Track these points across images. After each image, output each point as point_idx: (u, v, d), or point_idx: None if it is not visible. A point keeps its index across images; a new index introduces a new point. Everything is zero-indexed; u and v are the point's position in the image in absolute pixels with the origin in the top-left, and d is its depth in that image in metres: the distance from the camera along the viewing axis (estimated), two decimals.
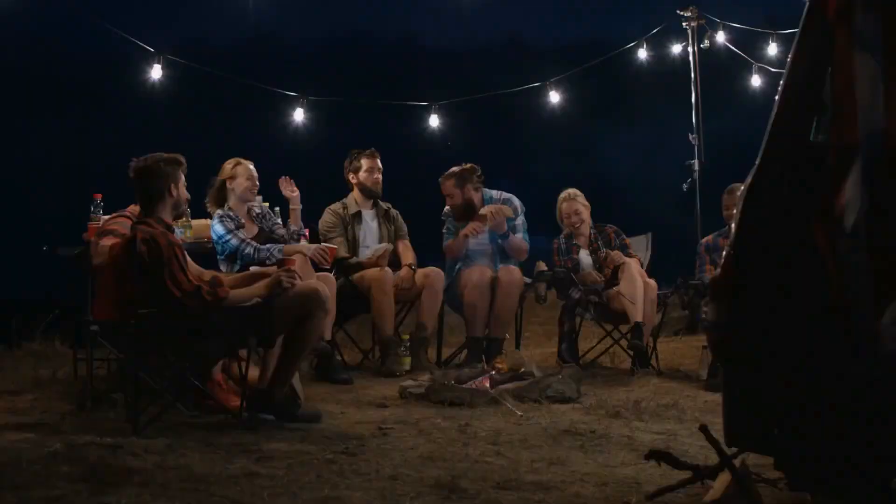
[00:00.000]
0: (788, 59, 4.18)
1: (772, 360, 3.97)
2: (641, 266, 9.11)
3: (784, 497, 4.42)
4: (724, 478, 4.32)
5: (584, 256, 9.30)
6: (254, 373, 6.50)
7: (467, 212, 9.26)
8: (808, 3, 4.15)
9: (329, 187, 9.81)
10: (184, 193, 6.33)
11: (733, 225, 4.19)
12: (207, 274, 6.49)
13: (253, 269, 7.14)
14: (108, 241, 6.83)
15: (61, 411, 6.73)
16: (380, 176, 9.15)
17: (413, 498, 4.54)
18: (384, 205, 9.25)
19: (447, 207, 9.42)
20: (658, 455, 4.71)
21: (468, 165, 9.33)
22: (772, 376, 3.98)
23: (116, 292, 6.01)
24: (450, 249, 9.33)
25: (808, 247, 3.86)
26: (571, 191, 9.52)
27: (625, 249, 9.24)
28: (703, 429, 4.24)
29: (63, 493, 4.41)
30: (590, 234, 9.41)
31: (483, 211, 9.12)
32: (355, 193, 9.16)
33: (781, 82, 4.20)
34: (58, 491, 4.46)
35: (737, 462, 4.32)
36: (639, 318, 8.62)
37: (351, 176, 9.18)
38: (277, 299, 6.11)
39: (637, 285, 8.69)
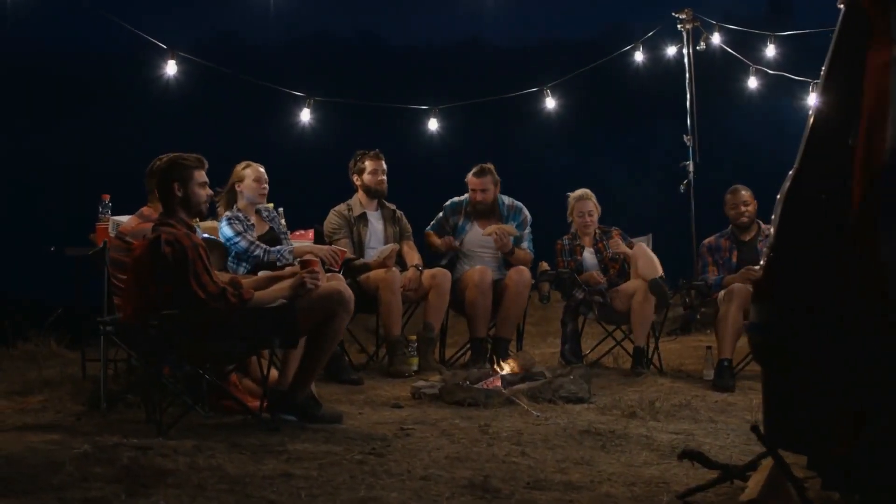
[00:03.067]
0: (824, 65, 4.23)
1: (811, 361, 4.02)
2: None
3: (812, 495, 4.46)
4: (757, 477, 4.37)
5: (589, 256, 9.35)
6: (272, 373, 6.55)
7: (489, 211, 9.36)
8: (843, 10, 4.20)
9: (333, 187, 9.83)
10: (196, 193, 6.22)
11: (771, 229, 4.24)
12: (226, 276, 6.49)
13: (262, 273, 7.12)
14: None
15: (75, 412, 6.76)
16: (384, 177, 9.19)
17: (449, 498, 4.58)
18: (389, 206, 9.28)
19: (454, 201, 9.49)
20: (691, 454, 4.77)
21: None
22: (810, 377, 4.03)
23: (139, 293, 6.00)
24: (430, 239, 9.49)
25: (848, 249, 3.91)
26: (584, 191, 9.59)
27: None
28: (755, 429, 4.28)
29: (103, 495, 4.41)
30: (595, 233, 9.46)
31: (488, 230, 9.16)
32: (360, 195, 9.20)
33: (818, 87, 4.26)
34: (96, 492, 4.45)
35: (767, 462, 4.37)
36: (660, 273, 8.86)
37: (355, 177, 9.21)
38: (301, 300, 6.13)
39: (651, 256, 8.93)
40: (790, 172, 4.22)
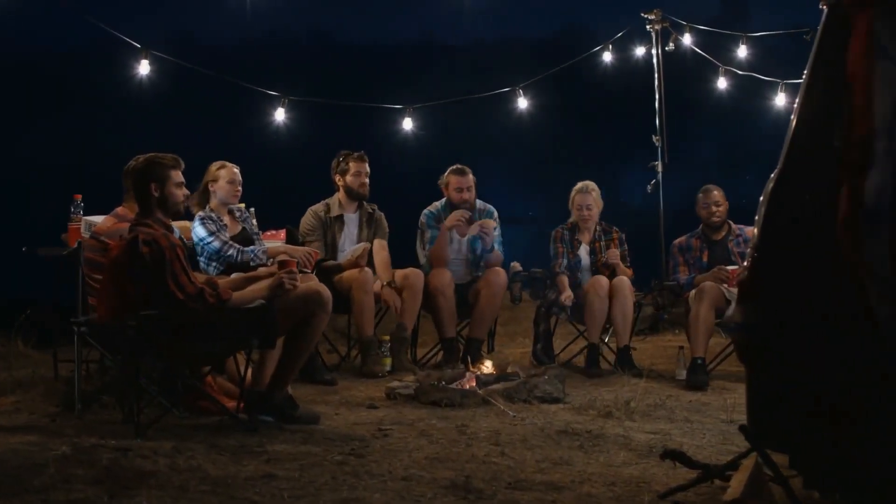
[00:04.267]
0: (807, 65, 4.25)
1: (795, 361, 4.05)
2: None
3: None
4: (739, 476, 4.39)
5: (584, 254, 9.26)
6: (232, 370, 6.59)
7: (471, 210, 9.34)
8: (826, 9, 4.23)
9: (305, 187, 9.79)
10: (173, 193, 6.20)
11: (755, 230, 4.26)
12: (202, 277, 6.47)
13: (236, 275, 7.08)
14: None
15: (49, 413, 6.72)
16: (367, 180, 9.12)
17: (431, 499, 4.59)
18: (369, 207, 9.23)
19: (430, 213, 9.43)
20: (673, 454, 4.80)
21: None
22: (794, 377, 4.06)
23: (116, 294, 5.97)
24: (437, 257, 9.24)
25: (833, 249, 3.94)
26: (586, 183, 9.49)
27: (624, 259, 9.26)
28: (743, 428, 4.31)
29: (86, 497, 4.40)
30: (594, 230, 9.39)
31: (472, 229, 9.14)
32: (341, 195, 9.15)
33: (801, 88, 4.28)
34: (79, 494, 4.44)
35: (748, 461, 4.41)
36: (626, 342, 8.91)
37: (337, 178, 9.16)
38: (279, 300, 6.12)
39: (628, 308, 8.87)
40: (772, 175, 4.24)
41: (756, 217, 4.28)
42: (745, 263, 4.34)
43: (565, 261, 9.25)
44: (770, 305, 4.14)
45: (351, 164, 9.08)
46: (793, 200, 4.12)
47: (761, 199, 4.24)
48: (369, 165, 9.17)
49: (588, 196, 9.37)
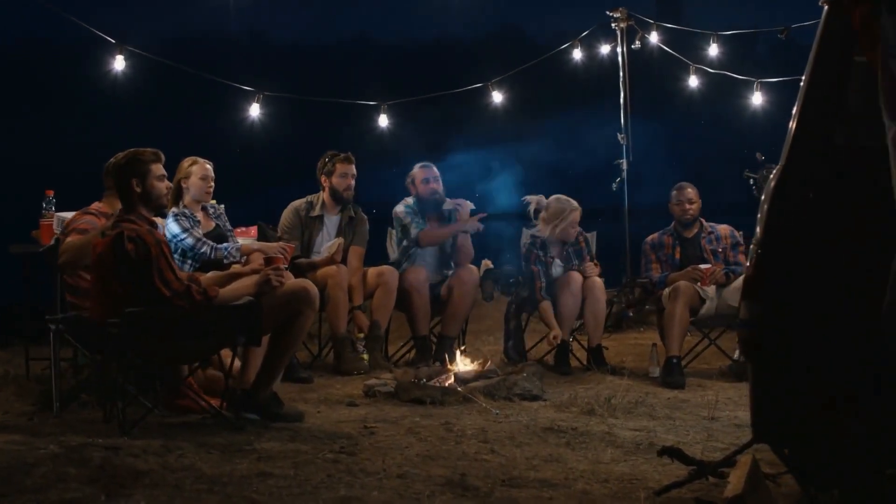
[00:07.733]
0: (808, 64, 4.27)
1: (798, 357, 4.07)
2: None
3: (787, 490, 4.52)
4: (738, 473, 4.40)
5: (557, 269, 9.13)
6: (215, 373, 6.54)
7: (440, 204, 9.38)
8: (827, 7, 4.25)
9: (283, 182, 9.73)
10: (155, 187, 6.14)
11: (758, 227, 4.28)
12: (184, 274, 6.41)
13: (212, 273, 7.02)
14: (74, 238, 6.81)
15: (25, 412, 6.65)
16: (353, 182, 9.07)
17: (430, 497, 4.56)
18: (352, 210, 9.15)
19: (408, 204, 9.38)
20: (670, 451, 4.81)
21: None
22: (797, 373, 4.08)
23: (101, 291, 5.90)
24: (428, 236, 9.23)
25: (837, 246, 3.98)
26: (561, 203, 9.13)
27: (583, 260, 9.14)
28: (754, 427, 4.32)
29: (81, 496, 4.34)
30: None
31: (450, 203, 9.16)
32: (325, 195, 9.08)
33: (802, 85, 4.30)
34: (74, 493, 4.38)
35: (745, 458, 4.42)
36: (598, 341, 8.91)
37: (323, 178, 9.09)
38: (266, 297, 6.07)
39: (599, 309, 8.88)
40: (774, 172, 4.27)
41: (759, 214, 4.29)
42: (749, 261, 4.35)
43: (544, 282, 8.93)
44: (775, 302, 4.16)
45: (337, 166, 8.99)
46: (795, 197, 4.14)
47: (763, 196, 4.26)
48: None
49: (568, 223, 9.07)
